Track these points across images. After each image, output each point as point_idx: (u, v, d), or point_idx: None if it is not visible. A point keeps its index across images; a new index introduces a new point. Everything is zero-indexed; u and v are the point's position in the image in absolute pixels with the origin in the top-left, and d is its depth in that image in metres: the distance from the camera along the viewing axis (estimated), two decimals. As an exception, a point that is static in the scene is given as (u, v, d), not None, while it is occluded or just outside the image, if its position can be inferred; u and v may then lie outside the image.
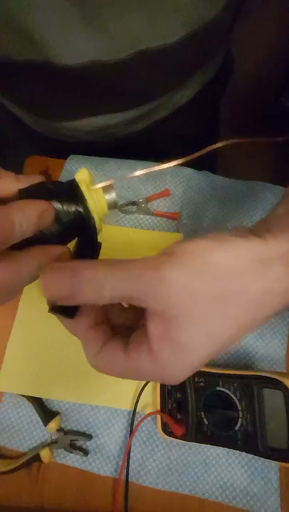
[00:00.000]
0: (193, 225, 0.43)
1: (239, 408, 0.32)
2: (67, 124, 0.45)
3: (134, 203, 0.44)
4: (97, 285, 0.19)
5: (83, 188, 0.22)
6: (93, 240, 0.24)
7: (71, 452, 0.36)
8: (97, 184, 0.23)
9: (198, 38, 0.35)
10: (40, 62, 0.33)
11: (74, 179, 0.23)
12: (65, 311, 0.21)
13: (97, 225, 0.23)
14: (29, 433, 0.38)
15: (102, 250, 0.25)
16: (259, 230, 0.20)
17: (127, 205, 0.44)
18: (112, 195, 0.24)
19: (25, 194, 0.22)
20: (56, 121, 0.45)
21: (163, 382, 0.22)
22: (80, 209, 0.22)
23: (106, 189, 0.24)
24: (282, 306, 0.20)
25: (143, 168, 0.23)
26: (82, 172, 0.24)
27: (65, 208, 0.22)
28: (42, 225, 0.21)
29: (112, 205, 0.24)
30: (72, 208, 0.22)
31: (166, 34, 0.33)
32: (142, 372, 0.20)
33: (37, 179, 0.23)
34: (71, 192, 0.23)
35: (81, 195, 0.22)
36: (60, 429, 0.37)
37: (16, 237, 0.20)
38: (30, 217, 0.20)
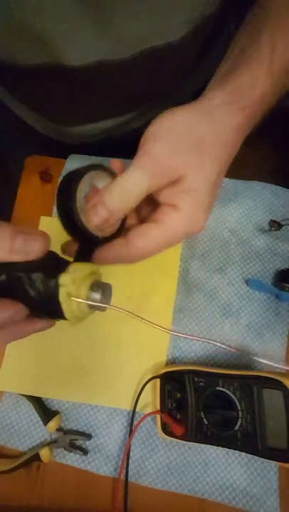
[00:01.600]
0: (194, 224, 0.43)
1: (239, 408, 0.32)
2: (75, 129, 0.46)
3: None
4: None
5: (62, 294, 0.20)
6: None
7: (71, 452, 0.36)
8: (85, 298, 0.21)
9: (199, 33, 0.35)
10: (48, 64, 0.33)
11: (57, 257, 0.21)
12: None
13: (70, 320, 0.21)
14: (29, 432, 0.38)
15: None
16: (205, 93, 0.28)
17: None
18: (96, 297, 0.21)
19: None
20: (66, 125, 0.46)
21: (194, 230, 0.27)
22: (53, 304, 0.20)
23: (96, 287, 0.21)
24: (239, 139, 0.27)
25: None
26: (74, 270, 0.21)
27: (37, 288, 0.20)
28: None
29: (95, 306, 0.21)
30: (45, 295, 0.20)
31: (171, 32, 0.34)
32: (178, 232, 0.26)
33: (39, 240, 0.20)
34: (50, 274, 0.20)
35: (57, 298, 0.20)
36: (59, 429, 0.37)
37: None
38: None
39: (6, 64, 0.33)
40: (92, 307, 0.21)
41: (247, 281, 0.41)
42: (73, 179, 0.24)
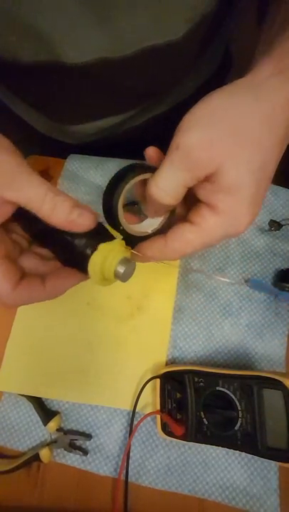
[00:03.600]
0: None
1: (239, 408, 0.32)
2: (74, 127, 0.46)
3: (134, 203, 0.44)
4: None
5: (92, 260, 0.24)
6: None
7: (71, 452, 0.36)
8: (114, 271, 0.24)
9: (198, 31, 0.35)
10: (48, 62, 0.33)
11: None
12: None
13: (94, 280, 0.25)
14: (29, 433, 0.38)
15: None
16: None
17: (128, 205, 0.44)
18: (121, 269, 0.24)
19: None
20: (66, 124, 0.46)
21: (235, 231, 0.24)
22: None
23: (124, 262, 0.24)
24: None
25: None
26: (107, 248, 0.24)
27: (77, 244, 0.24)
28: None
29: (118, 276, 0.25)
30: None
31: (172, 31, 0.34)
32: (216, 235, 0.24)
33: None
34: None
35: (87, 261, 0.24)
36: (59, 429, 0.37)
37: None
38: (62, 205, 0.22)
39: (5, 61, 0.33)
40: (116, 276, 0.25)
41: (247, 281, 0.41)
42: (120, 180, 0.25)
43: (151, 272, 0.41)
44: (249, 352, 0.38)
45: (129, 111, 0.44)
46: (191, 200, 0.26)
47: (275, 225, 0.40)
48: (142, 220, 0.29)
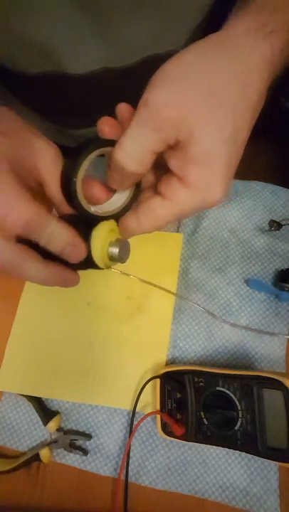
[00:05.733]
0: (193, 225, 0.43)
1: (239, 408, 0.32)
2: (77, 132, 0.46)
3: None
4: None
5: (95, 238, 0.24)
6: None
7: (71, 452, 0.36)
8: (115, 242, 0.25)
9: (196, 38, 0.35)
10: (52, 73, 0.34)
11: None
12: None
13: (98, 263, 0.25)
14: (29, 433, 0.38)
15: None
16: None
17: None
18: (114, 250, 0.25)
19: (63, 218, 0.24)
20: (68, 128, 0.46)
21: (208, 204, 0.23)
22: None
23: (115, 243, 0.25)
24: (265, 80, 0.22)
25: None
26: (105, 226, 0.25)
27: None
28: (63, 254, 0.23)
29: (115, 259, 0.25)
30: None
31: (174, 41, 0.34)
32: (188, 208, 0.23)
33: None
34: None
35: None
36: (59, 429, 0.37)
37: (36, 238, 0.22)
38: (58, 239, 0.23)
39: (11, 72, 0.34)
40: (112, 259, 0.25)
41: (247, 281, 0.41)
42: (80, 153, 0.23)
43: (151, 272, 0.41)
44: (249, 352, 0.38)
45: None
46: (160, 170, 0.24)
47: (275, 225, 0.40)
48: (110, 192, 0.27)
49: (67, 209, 0.25)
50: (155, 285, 0.40)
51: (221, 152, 0.21)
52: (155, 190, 0.25)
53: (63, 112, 0.43)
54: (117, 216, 0.27)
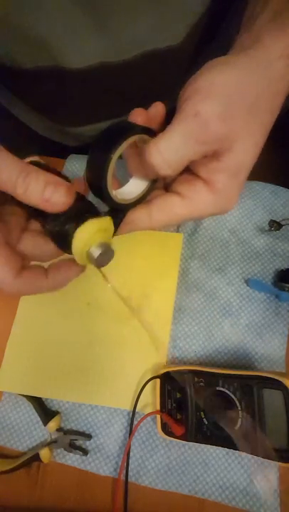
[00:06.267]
0: (193, 224, 0.43)
1: (239, 408, 0.32)
2: (74, 129, 0.46)
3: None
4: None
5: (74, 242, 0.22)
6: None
7: (71, 452, 0.36)
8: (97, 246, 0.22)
9: (197, 33, 0.35)
10: (49, 67, 0.33)
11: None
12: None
13: (77, 259, 0.23)
14: (28, 433, 0.38)
15: None
16: (249, 43, 0.23)
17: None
18: (95, 253, 0.22)
19: None
20: (66, 125, 0.46)
21: (224, 211, 0.24)
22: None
23: (99, 246, 0.23)
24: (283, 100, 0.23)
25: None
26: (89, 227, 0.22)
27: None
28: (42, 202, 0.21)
29: (92, 261, 0.23)
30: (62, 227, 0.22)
31: (173, 36, 0.34)
32: (206, 212, 0.24)
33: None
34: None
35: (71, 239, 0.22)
36: (59, 429, 0.37)
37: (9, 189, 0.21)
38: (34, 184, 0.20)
39: (7, 66, 0.34)
40: (90, 261, 0.23)
41: (247, 281, 0.41)
42: (110, 143, 0.21)
43: (151, 271, 0.41)
44: (249, 352, 0.38)
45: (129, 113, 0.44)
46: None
47: (275, 225, 0.40)
48: (121, 181, 0.26)
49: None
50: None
51: (250, 166, 0.23)
52: (165, 187, 0.25)
53: (62, 109, 0.43)
54: (129, 207, 0.25)
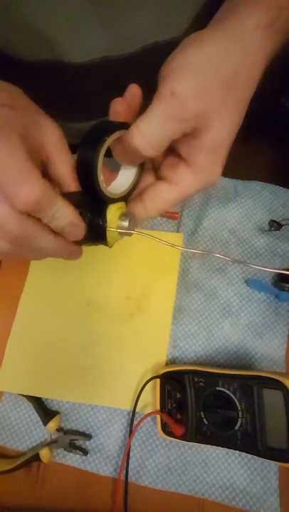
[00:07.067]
0: (193, 225, 0.43)
1: (239, 408, 0.32)
2: (76, 125, 0.46)
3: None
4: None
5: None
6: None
7: (71, 452, 0.36)
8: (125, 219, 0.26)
9: (199, 25, 0.35)
10: (50, 61, 0.33)
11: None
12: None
13: (109, 240, 0.26)
14: (28, 433, 0.38)
15: (100, 249, 0.27)
16: (227, 14, 0.24)
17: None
18: (124, 223, 0.26)
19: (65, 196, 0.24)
20: (68, 122, 0.46)
21: (209, 185, 0.25)
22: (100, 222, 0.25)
23: (124, 218, 0.26)
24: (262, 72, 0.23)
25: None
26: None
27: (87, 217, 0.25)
28: (64, 232, 0.24)
29: (124, 232, 0.26)
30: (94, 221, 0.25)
31: (175, 28, 0.34)
32: (192, 191, 0.25)
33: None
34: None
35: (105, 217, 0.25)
36: (59, 429, 0.37)
37: (41, 215, 0.22)
38: (61, 218, 0.23)
39: (7, 59, 0.33)
40: (122, 233, 0.26)
41: (247, 281, 0.41)
42: (96, 141, 0.23)
43: (151, 272, 0.41)
44: (249, 352, 0.38)
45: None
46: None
47: (275, 225, 0.40)
48: (112, 173, 0.28)
49: (68, 189, 0.25)
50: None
51: (228, 142, 0.23)
52: (155, 173, 0.26)
53: (63, 104, 0.43)
54: (126, 197, 0.27)
